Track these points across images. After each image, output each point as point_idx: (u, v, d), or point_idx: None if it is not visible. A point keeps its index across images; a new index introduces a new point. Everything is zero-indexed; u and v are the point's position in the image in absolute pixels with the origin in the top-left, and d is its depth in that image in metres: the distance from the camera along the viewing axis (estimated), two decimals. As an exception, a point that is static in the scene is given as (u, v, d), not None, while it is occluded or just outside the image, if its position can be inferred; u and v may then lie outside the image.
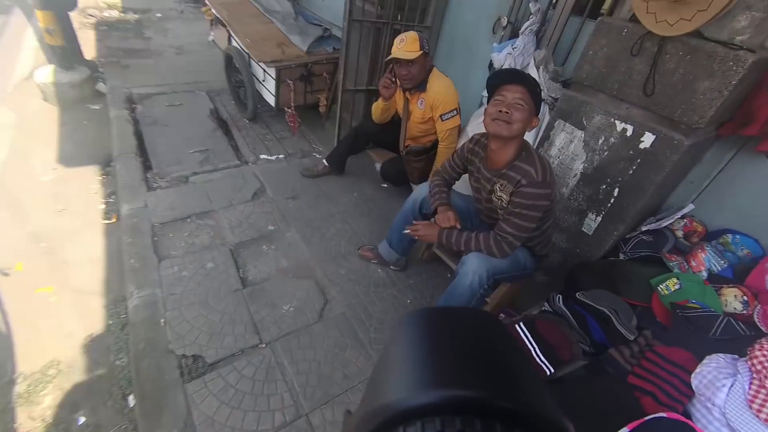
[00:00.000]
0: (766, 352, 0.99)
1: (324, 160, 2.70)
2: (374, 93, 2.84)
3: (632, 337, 1.16)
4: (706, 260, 1.35)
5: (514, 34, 2.17)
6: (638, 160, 1.38)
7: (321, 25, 3.37)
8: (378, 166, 2.89)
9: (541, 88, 1.78)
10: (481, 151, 1.53)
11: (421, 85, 2.04)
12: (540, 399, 0.21)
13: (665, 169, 1.31)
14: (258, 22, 3.23)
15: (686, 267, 1.37)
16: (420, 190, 1.83)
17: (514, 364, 0.24)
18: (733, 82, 1.13)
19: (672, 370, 1.07)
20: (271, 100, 3.13)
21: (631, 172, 1.41)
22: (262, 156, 2.98)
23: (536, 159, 1.33)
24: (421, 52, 1.93)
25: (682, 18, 1.14)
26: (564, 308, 1.26)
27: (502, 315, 1.67)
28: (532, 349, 1.13)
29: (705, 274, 1.34)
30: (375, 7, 2.52)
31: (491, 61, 2.31)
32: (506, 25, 2.22)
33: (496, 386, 0.21)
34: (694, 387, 1.02)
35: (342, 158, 2.64)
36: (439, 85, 2.03)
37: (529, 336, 1.14)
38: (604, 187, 1.51)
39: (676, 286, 1.27)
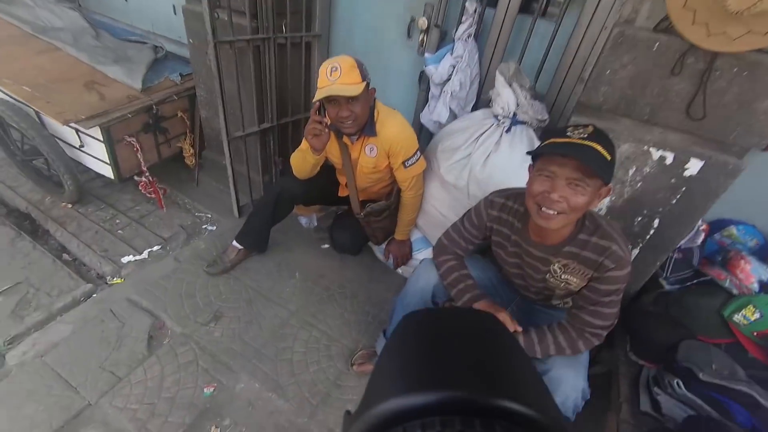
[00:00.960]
0: None
1: (235, 242, 1.90)
2: (274, 132, 2.11)
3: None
4: (753, 271, 1.31)
5: (440, 38, 1.78)
6: (683, 189, 1.21)
7: (144, 42, 2.32)
8: (304, 221, 2.24)
9: (524, 110, 1.47)
10: (516, 221, 1.14)
11: (367, 128, 1.49)
12: (541, 399, 0.21)
13: (718, 195, 1.17)
14: (33, 51, 2.00)
15: (738, 283, 1.31)
16: (425, 276, 1.34)
17: (515, 365, 0.24)
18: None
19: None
20: (106, 171, 2.05)
21: (674, 201, 1.24)
22: (126, 258, 1.96)
23: (609, 229, 1.01)
24: (365, 83, 1.37)
25: (752, 31, 0.93)
26: (695, 398, 1.04)
27: None
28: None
29: (757, 285, 1.30)
30: (247, 18, 1.75)
31: (422, 73, 1.89)
32: (428, 27, 1.80)
33: (496, 386, 0.21)
34: None
35: (262, 235, 1.90)
36: (393, 126, 1.51)
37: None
38: (639, 219, 1.32)
39: (756, 315, 1.19)
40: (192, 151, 2.36)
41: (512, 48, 1.67)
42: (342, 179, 1.80)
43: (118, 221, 2.18)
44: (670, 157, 1.19)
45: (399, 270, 1.86)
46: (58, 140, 1.95)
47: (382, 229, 1.74)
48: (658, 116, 1.16)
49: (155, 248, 2.05)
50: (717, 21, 0.96)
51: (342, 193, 1.89)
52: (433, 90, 1.84)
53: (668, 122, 1.17)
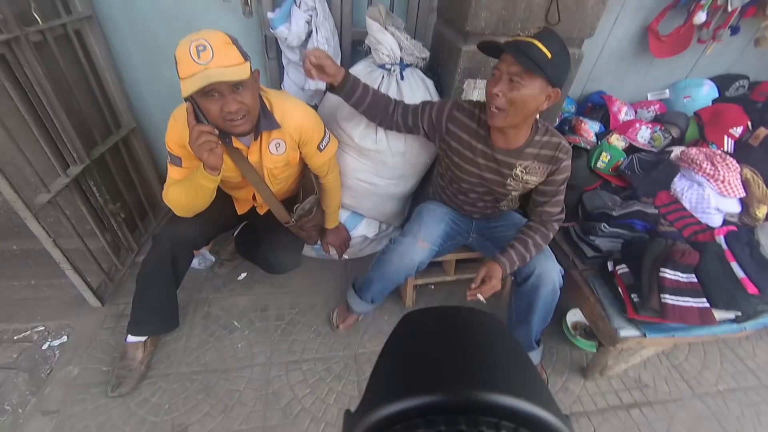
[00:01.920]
0: (689, 158, 1.54)
1: (131, 337, 1.37)
2: (92, 172, 1.47)
3: (648, 209, 1.49)
4: (590, 128, 1.78)
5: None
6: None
7: None
8: (195, 263, 1.78)
9: (409, 52, 1.45)
10: (480, 130, 1.21)
11: (262, 122, 1.19)
12: (543, 400, 0.21)
13: (572, 81, 1.50)
14: None
15: (586, 139, 1.77)
16: (410, 255, 1.33)
17: (516, 365, 0.24)
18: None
19: (672, 207, 1.52)
20: None
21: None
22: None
23: (553, 128, 1.21)
24: (248, 62, 1.05)
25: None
26: (617, 229, 1.43)
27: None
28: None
29: (594, 138, 1.79)
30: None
31: (266, 37, 1.59)
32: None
33: (498, 386, 0.21)
34: (689, 209, 1.50)
35: (170, 307, 1.43)
36: (295, 110, 1.25)
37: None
38: (526, 119, 1.58)
39: (608, 157, 1.67)
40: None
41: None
42: (240, 193, 1.44)
43: None
44: (540, 61, 1.41)
45: (345, 256, 1.73)
46: None
47: (314, 226, 1.53)
48: (527, 28, 1.34)
49: (-13, 422, 1.27)
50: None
51: (242, 210, 1.54)
52: (289, 55, 1.59)
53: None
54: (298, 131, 1.26)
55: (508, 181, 1.24)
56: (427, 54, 1.50)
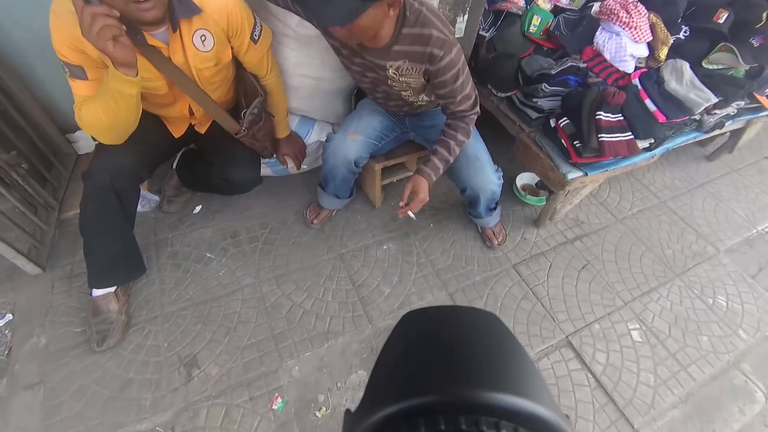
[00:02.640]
0: (607, 9, 1.65)
1: (97, 291, 1.26)
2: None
3: (579, 64, 1.61)
4: (518, -8, 1.78)
5: None
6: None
7: None
8: (139, 207, 1.59)
9: None
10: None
11: (177, 7, 0.98)
12: (543, 399, 0.21)
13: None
14: None
15: (517, 5, 1.78)
16: (343, 150, 1.37)
17: (516, 364, 0.24)
18: None
19: (597, 60, 1.66)
20: None
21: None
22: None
23: (429, 15, 1.02)
24: None
25: None
26: (555, 87, 1.54)
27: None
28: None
29: (523, 2, 1.80)
30: None
31: None
32: None
33: (498, 386, 0.21)
34: (609, 59, 1.66)
35: (130, 252, 1.31)
36: (217, -9, 1.04)
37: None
38: (462, -13, 1.52)
39: (538, 20, 1.71)
40: None
41: None
42: (171, 110, 1.25)
43: None
44: None
45: (304, 166, 1.67)
46: None
47: (267, 135, 1.41)
48: None
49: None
50: None
51: (178, 132, 1.36)
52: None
53: None
54: (224, 16, 1.07)
55: (390, 83, 1.15)
56: None
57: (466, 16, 1.61)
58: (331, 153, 1.40)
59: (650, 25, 1.66)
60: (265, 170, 1.68)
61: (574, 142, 1.44)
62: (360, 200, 1.78)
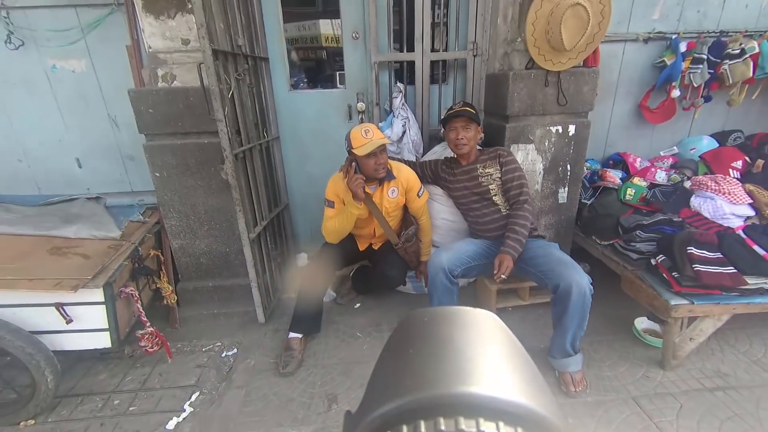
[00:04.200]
0: (697, 182, 2.01)
1: (292, 333, 1.91)
2: (266, 229, 2.23)
3: (672, 217, 1.92)
4: (614, 174, 2.35)
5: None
6: (572, 142, 2.15)
7: (73, 198, 2.12)
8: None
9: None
10: (453, 164, 2.03)
11: (387, 175, 1.93)
12: (543, 400, 0.21)
13: (587, 141, 2.15)
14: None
15: (612, 182, 2.32)
16: (437, 260, 1.83)
17: (517, 365, 0.24)
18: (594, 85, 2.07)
19: (696, 218, 1.93)
20: (99, 341, 1.73)
21: (572, 151, 2.17)
22: (171, 424, 1.65)
23: (486, 151, 1.97)
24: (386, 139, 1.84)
25: (570, 58, 1.93)
26: (651, 234, 1.86)
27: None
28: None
29: (620, 180, 2.34)
30: (238, 136, 1.95)
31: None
32: (365, 109, 2.45)
33: (498, 386, 0.21)
34: (710, 218, 1.91)
35: (317, 314, 1.99)
36: (405, 168, 2.01)
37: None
38: (560, 168, 2.20)
39: (632, 191, 2.18)
40: (170, 288, 2.15)
41: (432, 104, 2.46)
42: (364, 230, 2.11)
43: (117, 401, 1.77)
44: (560, 128, 2.11)
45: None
46: (27, 335, 1.54)
47: (414, 252, 2.12)
48: (546, 109, 2.08)
49: (194, 397, 1.77)
50: (552, 56, 1.93)
51: (362, 246, 2.19)
52: (391, 148, 2.44)
53: (552, 111, 2.10)
54: (406, 180, 1.98)
55: (480, 179, 1.90)
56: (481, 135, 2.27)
57: (567, 188, 2.23)
58: (430, 263, 1.86)
59: (747, 192, 1.92)
60: (408, 287, 2.31)
61: (673, 273, 1.64)
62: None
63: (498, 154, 1.89)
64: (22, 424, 1.63)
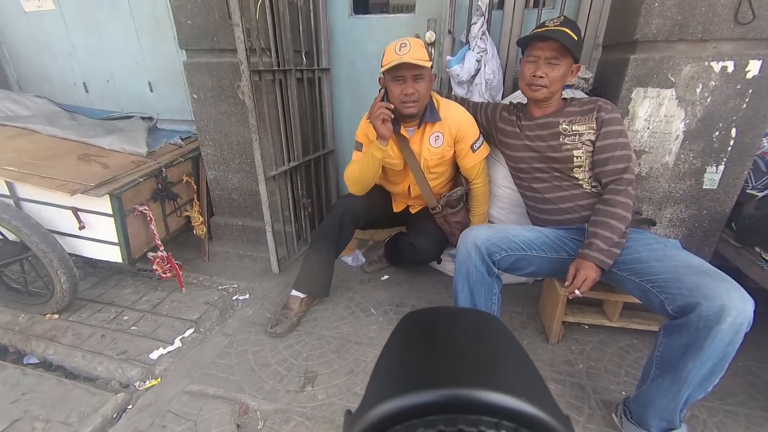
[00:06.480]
0: None
1: (295, 291, 1.62)
2: (300, 171, 1.96)
3: None
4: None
5: (452, 43, 1.89)
6: (750, 91, 1.32)
7: (130, 115, 2.14)
8: (350, 260, 2.02)
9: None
10: (519, 112, 1.41)
11: (428, 113, 1.44)
12: (543, 400, 0.21)
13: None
14: (4, 137, 1.70)
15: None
16: (470, 235, 1.24)
17: (516, 364, 0.24)
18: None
19: None
20: (111, 255, 1.70)
21: (744, 106, 1.34)
22: (155, 353, 1.55)
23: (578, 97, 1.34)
24: (431, 62, 1.35)
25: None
26: None
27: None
28: None
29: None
30: (267, 54, 1.69)
31: (441, 79, 1.96)
32: (435, 40, 1.93)
33: (498, 386, 0.20)
34: None
35: (326, 274, 1.65)
36: (457, 109, 1.49)
37: None
38: (717, 134, 1.39)
39: None
40: (201, 219, 2.08)
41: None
42: (398, 187, 1.67)
43: (126, 318, 1.76)
44: (730, 65, 1.30)
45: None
46: (45, 233, 1.58)
47: (458, 223, 1.61)
48: (709, 32, 1.29)
49: (188, 333, 1.65)
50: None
51: (397, 207, 1.76)
52: (457, 90, 1.89)
53: (720, 34, 1.29)
54: (456, 126, 1.46)
55: (560, 139, 1.27)
56: (590, 75, 1.57)
57: (721, 167, 1.42)
58: (460, 239, 1.27)
59: None
60: (445, 267, 1.82)
61: None
62: (533, 329, 1.56)
63: (598, 106, 1.24)
64: (48, 315, 1.73)
